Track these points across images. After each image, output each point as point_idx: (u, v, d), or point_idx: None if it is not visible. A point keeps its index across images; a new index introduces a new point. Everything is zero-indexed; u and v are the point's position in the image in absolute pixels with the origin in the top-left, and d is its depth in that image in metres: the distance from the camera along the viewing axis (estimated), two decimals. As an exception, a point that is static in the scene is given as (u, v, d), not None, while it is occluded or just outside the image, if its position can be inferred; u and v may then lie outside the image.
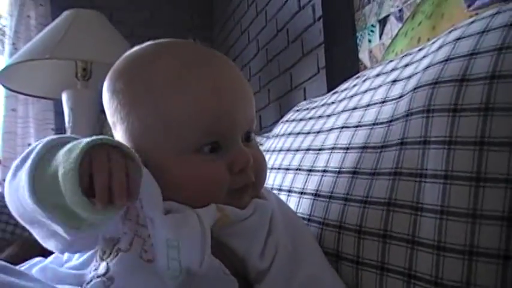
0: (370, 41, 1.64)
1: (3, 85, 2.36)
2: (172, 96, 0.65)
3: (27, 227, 0.62)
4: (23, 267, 0.69)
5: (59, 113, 2.62)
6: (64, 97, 2.29)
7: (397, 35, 1.47)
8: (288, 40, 2.22)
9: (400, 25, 1.47)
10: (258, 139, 1.46)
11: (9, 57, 2.73)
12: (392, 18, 1.52)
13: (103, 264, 0.61)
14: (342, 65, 1.77)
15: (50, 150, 0.57)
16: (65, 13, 2.32)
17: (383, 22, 1.57)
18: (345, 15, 1.77)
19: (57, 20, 2.32)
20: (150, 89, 0.66)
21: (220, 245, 0.66)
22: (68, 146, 0.55)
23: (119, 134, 0.69)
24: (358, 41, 1.70)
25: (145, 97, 0.66)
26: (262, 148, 1.16)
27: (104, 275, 0.60)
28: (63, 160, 0.54)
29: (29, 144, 2.88)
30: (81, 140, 0.56)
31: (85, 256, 0.65)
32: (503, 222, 0.53)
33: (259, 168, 0.71)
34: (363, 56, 1.66)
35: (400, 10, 1.48)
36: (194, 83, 0.65)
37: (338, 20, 1.83)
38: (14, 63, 2.20)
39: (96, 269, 0.62)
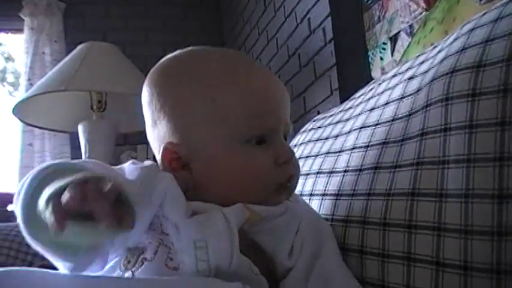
0: (382, 58, 1.65)
1: (19, 119, 2.38)
2: (226, 88, 0.69)
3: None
4: None
5: (75, 146, 2.65)
6: (80, 129, 2.32)
7: (409, 45, 1.48)
8: (300, 64, 2.24)
9: (411, 40, 1.48)
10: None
11: (25, 92, 2.76)
12: (403, 34, 1.54)
13: (127, 274, 0.61)
14: (355, 85, 1.78)
15: (39, 186, 0.55)
16: (80, 46, 2.36)
17: (394, 39, 1.58)
18: (355, 36, 1.79)
19: (72, 53, 2.36)
20: (204, 82, 0.70)
21: (250, 242, 0.66)
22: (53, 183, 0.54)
23: (163, 129, 0.71)
24: (370, 59, 1.72)
25: (199, 90, 0.69)
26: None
27: None
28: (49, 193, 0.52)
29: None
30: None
31: (107, 267, 0.65)
32: (530, 199, 0.53)
33: (297, 166, 0.74)
34: (376, 74, 1.67)
35: (411, 26, 1.49)
36: (245, 79, 0.70)
37: (349, 40, 1.85)
38: (30, 96, 2.23)
39: None
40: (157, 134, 0.72)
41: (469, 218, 0.57)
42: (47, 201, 0.51)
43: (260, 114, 0.69)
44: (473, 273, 0.55)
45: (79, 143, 2.37)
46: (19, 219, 0.56)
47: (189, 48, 0.77)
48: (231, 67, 0.71)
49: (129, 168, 0.67)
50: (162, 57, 0.78)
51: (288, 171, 0.70)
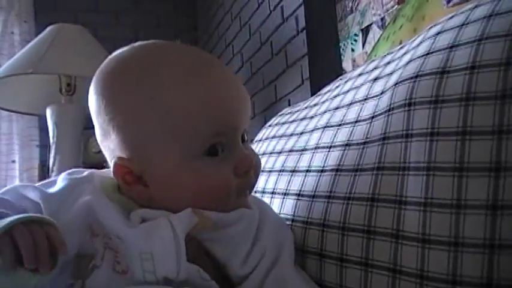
0: (353, 50, 1.64)
1: (-15, 102, 2.34)
2: (181, 98, 0.63)
3: None
4: None
5: (44, 129, 2.60)
6: (48, 112, 2.28)
7: (378, 40, 1.48)
8: (272, 52, 2.22)
9: (380, 35, 1.47)
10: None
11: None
12: (374, 27, 1.53)
13: (78, 283, 0.60)
14: (326, 75, 1.77)
15: None
16: (49, 28, 2.31)
17: (366, 31, 1.57)
18: (327, 26, 1.77)
19: (41, 35, 2.31)
20: (156, 93, 0.63)
21: (202, 249, 0.65)
22: None
23: (113, 143, 0.65)
24: (341, 50, 1.70)
25: (151, 101, 0.63)
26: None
27: None
28: None
29: (13, 161, 2.85)
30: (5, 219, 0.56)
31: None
32: (488, 211, 0.52)
33: (258, 169, 0.71)
34: (347, 65, 1.66)
35: (382, 18, 1.48)
36: (199, 86, 0.64)
37: (321, 30, 1.83)
38: (-3, 78, 2.18)
39: None
40: (107, 146, 0.67)
41: (427, 227, 0.56)
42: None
43: (216, 122, 0.64)
44: (429, 283, 0.55)
45: (47, 125, 2.33)
46: None
47: (138, 44, 0.69)
48: (186, 71, 0.65)
49: (60, 179, 0.68)
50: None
51: (248, 180, 0.68)
